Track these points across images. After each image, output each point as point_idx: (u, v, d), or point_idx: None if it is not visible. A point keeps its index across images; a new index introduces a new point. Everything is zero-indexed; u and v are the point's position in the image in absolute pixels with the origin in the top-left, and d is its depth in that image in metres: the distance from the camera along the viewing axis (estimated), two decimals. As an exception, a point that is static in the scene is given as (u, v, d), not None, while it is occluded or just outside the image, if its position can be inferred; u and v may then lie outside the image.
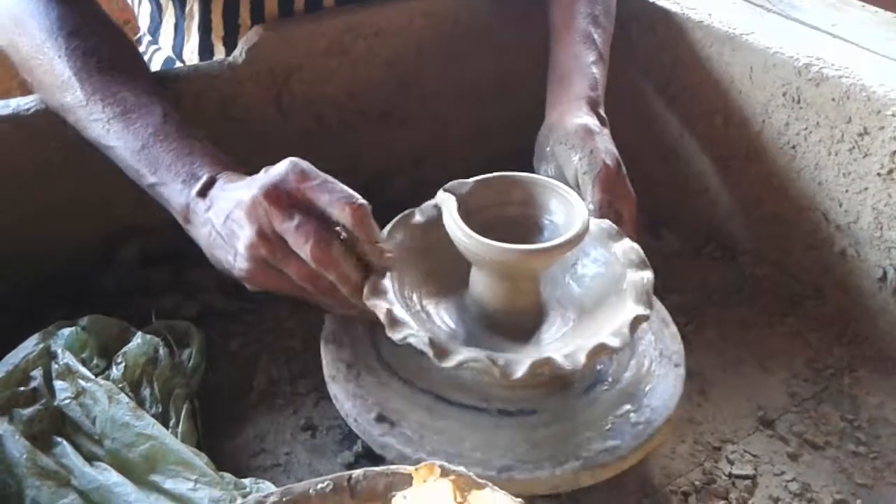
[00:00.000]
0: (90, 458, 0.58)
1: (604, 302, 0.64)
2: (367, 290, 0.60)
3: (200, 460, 0.59)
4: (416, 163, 0.98)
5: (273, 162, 0.87)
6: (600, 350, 0.58)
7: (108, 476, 0.56)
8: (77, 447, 0.59)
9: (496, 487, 0.40)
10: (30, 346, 0.64)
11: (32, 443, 0.57)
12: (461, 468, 0.41)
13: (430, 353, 0.56)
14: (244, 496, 0.57)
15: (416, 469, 0.42)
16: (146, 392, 0.65)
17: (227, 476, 0.59)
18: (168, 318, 0.74)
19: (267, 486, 0.59)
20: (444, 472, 0.41)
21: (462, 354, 0.56)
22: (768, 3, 1.46)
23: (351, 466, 0.65)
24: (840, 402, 0.73)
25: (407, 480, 0.42)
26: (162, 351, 0.67)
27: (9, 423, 0.59)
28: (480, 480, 0.41)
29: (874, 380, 0.75)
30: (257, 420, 0.69)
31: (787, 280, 0.85)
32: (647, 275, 0.64)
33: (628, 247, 0.66)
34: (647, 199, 0.95)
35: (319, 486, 0.42)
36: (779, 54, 0.80)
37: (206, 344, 0.72)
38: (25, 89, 0.76)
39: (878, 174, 0.74)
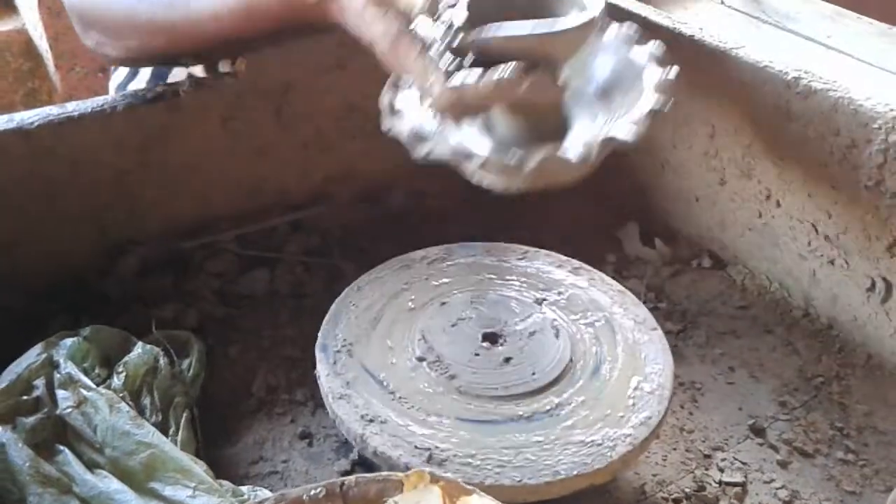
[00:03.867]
0: (91, 466, 0.59)
1: (622, 96, 0.64)
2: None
3: (199, 468, 0.60)
4: (413, 175, 0.99)
5: (273, 173, 0.90)
6: (608, 144, 0.58)
7: (109, 483, 0.57)
8: (78, 455, 0.60)
9: (483, 493, 0.41)
10: (32, 355, 0.66)
11: (35, 451, 0.59)
12: (450, 475, 0.42)
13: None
14: (242, 503, 0.58)
15: (407, 475, 0.43)
16: (146, 401, 0.66)
17: (226, 483, 0.60)
18: (168, 327, 0.75)
19: (264, 494, 0.60)
20: (434, 479, 0.42)
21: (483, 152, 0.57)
22: (764, 14, 1.48)
23: (347, 474, 0.66)
24: (829, 411, 0.74)
25: (398, 486, 0.43)
26: (162, 360, 0.68)
27: (12, 432, 0.60)
28: (469, 486, 0.42)
29: (863, 388, 0.76)
30: (256, 428, 0.70)
31: (777, 290, 0.86)
32: (671, 69, 0.63)
33: (651, 46, 0.66)
34: (640, 210, 0.97)
35: (312, 491, 0.43)
36: (768, 68, 0.81)
37: (206, 352, 0.73)
38: (28, 103, 0.78)
39: (866, 186, 0.75)
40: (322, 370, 0.67)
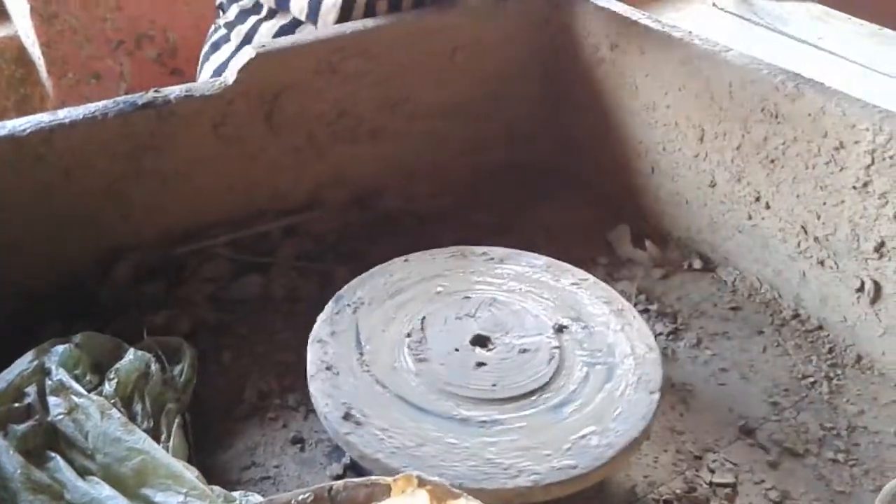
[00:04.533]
0: (83, 473, 0.59)
1: None
2: None
3: (191, 474, 0.60)
4: (407, 177, 0.99)
5: (265, 178, 0.90)
6: None
7: (101, 490, 0.58)
8: (70, 462, 0.60)
9: (471, 497, 0.42)
10: (24, 363, 0.66)
11: (26, 458, 0.59)
12: (437, 478, 0.43)
13: None
14: (233, 508, 0.58)
15: (395, 480, 0.43)
16: (138, 407, 0.66)
17: (217, 489, 0.60)
18: (161, 332, 0.75)
19: (256, 499, 0.61)
20: (422, 483, 0.43)
21: None
22: (755, 16, 1.48)
23: (339, 479, 0.67)
24: (819, 411, 0.74)
25: (386, 491, 0.44)
26: (154, 367, 0.68)
27: (3, 439, 0.60)
28: (456, 490, 0.42)
29: (853, 388, 0.77)
30: (248, 433, 0.71)
31: (768, 291, 0.86)
32: None
33: None
34: (631, 212, 0.97)
35: (301, 496, 0.43)
36: (757, 70, 0.81)
37: (198, 357, 0.73)
38: (21, 109, 0.78)
39: (854, 187, 0.76)
40: (321, 316, 0.70)
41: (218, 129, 0.84)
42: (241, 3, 1.04)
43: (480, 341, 0.69)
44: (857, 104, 0.75)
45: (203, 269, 0.84)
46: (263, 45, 0.86)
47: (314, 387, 0.65)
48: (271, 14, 1.00)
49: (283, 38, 0.90)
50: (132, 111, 0.79)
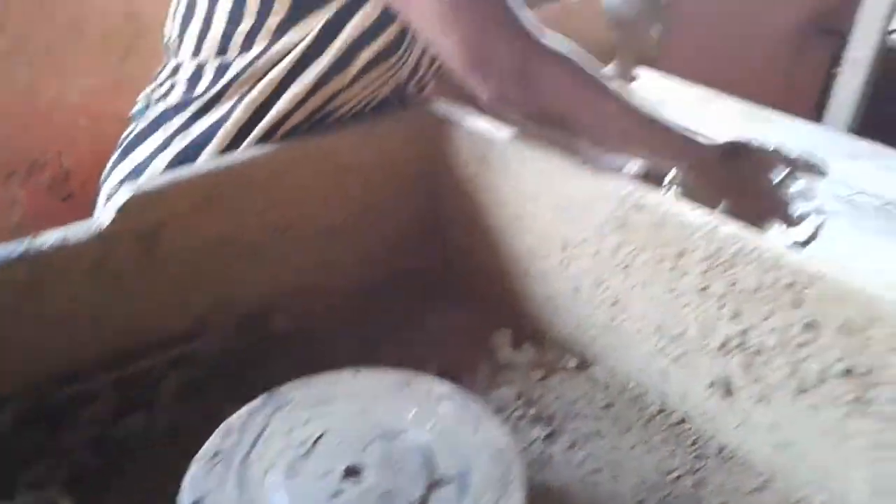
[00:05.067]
0: None
1: None
2: None
3: None
4: (295, 298, 1.02)
5: (147, 313, 0.91)
6: None
7: None
8: None
9: None
10: None
11: None
12: None
13: None
14: None
15: None
16: (10, 571, 0.66)
17: None
18: (41, 483, 0.75)
19: None
20: None
21: None
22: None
23: None
24: (684, 506, 0.79)
25: None
26: (27, 526, 0.69)
27: None
28: None
29: (716, 479, 0.81)
30: (127, 584, 0.71)
31: (635, 388, 0.91)
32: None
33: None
34: (511, 316, 1.02)
35: None
36: (606, 183, 0.88)
37: (79, 508, 0.74)
38: None
39: (696, 290, 0.82)
40: (246, 407, 0.74)
41: (95, 270, 0.86)
42: (167, 100, 1.04)
43: (353, 472, 0.71)
44: (692, 214, 0.82)
45: (85, 412, 0.84)
46: (140, 185, 0.89)
47: (190, 470, 0.68)
48: (201, 112, 1.01)
49: (161, 176, 0.93)
50: (8, 263, 0.81)
